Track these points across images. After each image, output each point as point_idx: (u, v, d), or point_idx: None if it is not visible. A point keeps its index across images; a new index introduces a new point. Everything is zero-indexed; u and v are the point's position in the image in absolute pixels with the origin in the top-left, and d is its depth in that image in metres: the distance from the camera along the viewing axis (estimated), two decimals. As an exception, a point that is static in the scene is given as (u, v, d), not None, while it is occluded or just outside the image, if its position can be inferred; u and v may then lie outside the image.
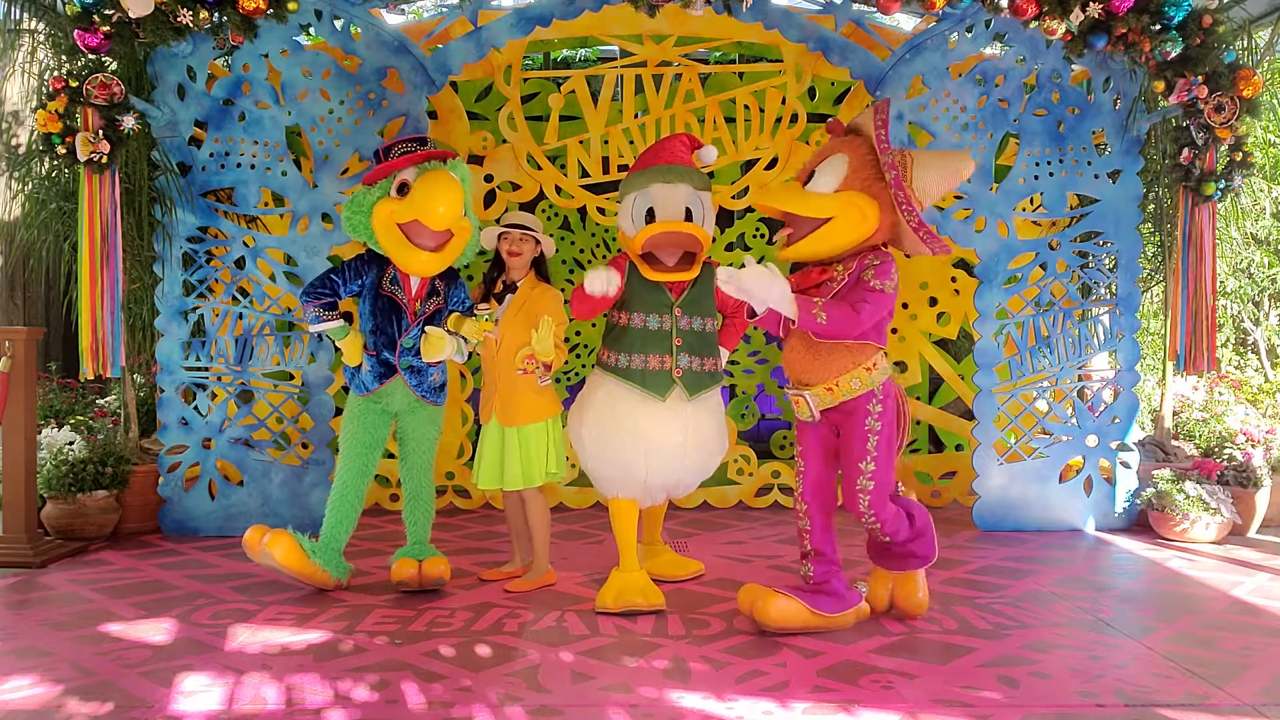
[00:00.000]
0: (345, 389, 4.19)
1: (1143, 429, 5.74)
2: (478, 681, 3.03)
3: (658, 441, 3.81)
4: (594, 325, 6.10)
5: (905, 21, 6.63)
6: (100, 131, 4.53)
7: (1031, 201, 5.56)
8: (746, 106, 5.93)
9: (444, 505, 5.84)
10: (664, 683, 3.03)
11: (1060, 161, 5.29)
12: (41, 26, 5.22)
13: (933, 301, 6.08)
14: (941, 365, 6.13)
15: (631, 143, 5.93)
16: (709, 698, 2.91)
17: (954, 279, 6.05)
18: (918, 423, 6.13)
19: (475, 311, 4.02)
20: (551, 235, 5.95)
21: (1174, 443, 5.65)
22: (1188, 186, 5.01)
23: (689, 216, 3.78)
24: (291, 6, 4.69)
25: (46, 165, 4.93)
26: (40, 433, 4.97)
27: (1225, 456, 5.37)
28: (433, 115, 5.57)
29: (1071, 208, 5.46)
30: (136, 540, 5.02)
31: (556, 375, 4.45)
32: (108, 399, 5.93)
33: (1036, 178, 5.29)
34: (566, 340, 6.15)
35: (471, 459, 5.75)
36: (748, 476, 5.90)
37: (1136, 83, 5.15)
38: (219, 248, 5.20)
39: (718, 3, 4.86)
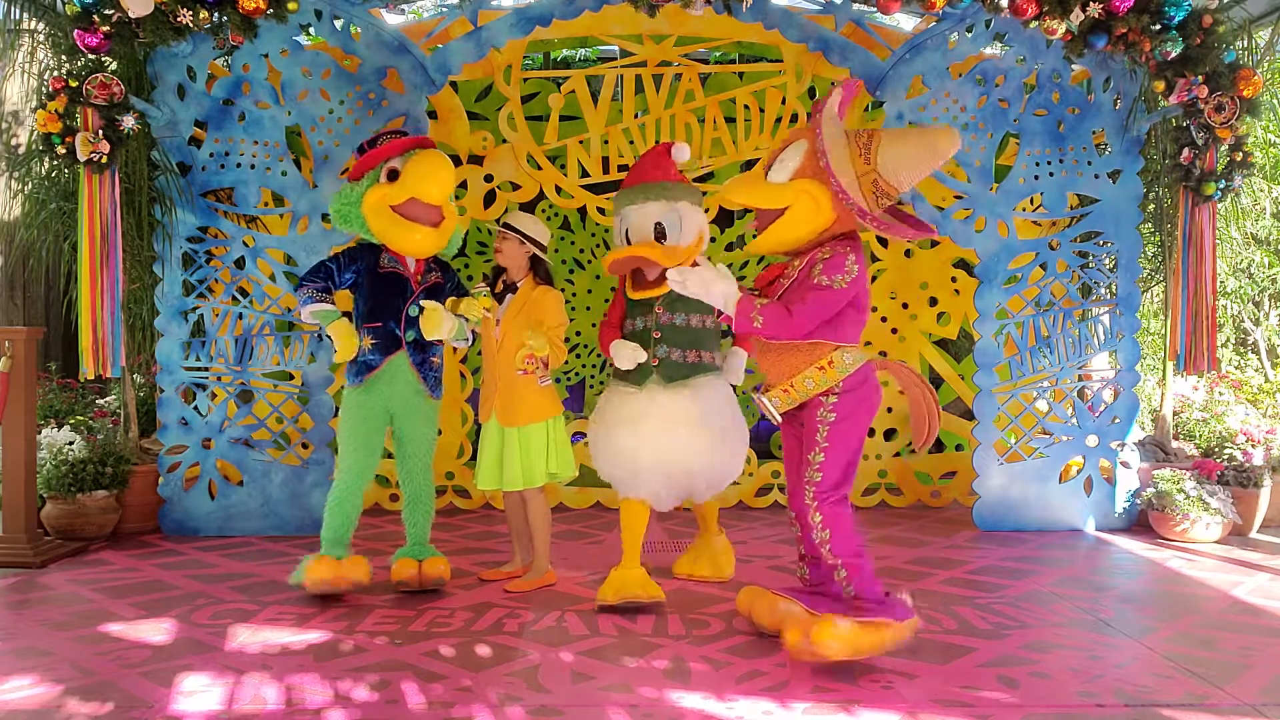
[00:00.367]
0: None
1: (1143, 429, 5.74)
2: (478, 681, 3.03)
3: (642, 426, 3.92)
4: (594, 326, 6.11)
5: (905, 21, 6.63)
6: (100, 131, 4.53)
7: (1031, 201, 5.56)
8: (746, 106, 5.93)
9: (444, 505, 5.84)
10: (664, 683, 3.03)
11: (1060, 161, 5.29)
12: (41, 26, 5.22)
13: (933, 301, 6.08)
14: (942, 365, 6.13)
15: (631, 143, 5.93)
16: (709, 698, 2.91)
17: (954, 279, 6.05)
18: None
19: (472, 292, 4.04)
20: (551, 235, 5.94)
21: (1174, 443, 5.65)
22: (1188, 186, 5.01)
23: (661, 231, 3.94)
24: (291, 6, 4.69)
25: (46, 165, 4.93)
26: (40, 433, 4.97)
27: (1225, 456, 5.37)
28: (433, 115, 5.57)
29: (1071, 208, 5.46)
30: (136, 540, 5.02)
31: (556, 375, 4.46)
32: (108, 399, 5.93)
33: (1036, 178, 5.29)
34: (566, 340, 6.15)
35: (471, 459, 5.77)
36: (748, 476, 5.91)
37: (1136, 83, 5.15)
38: (219, 248, 5.20)
39: (718, 3, 4.86)
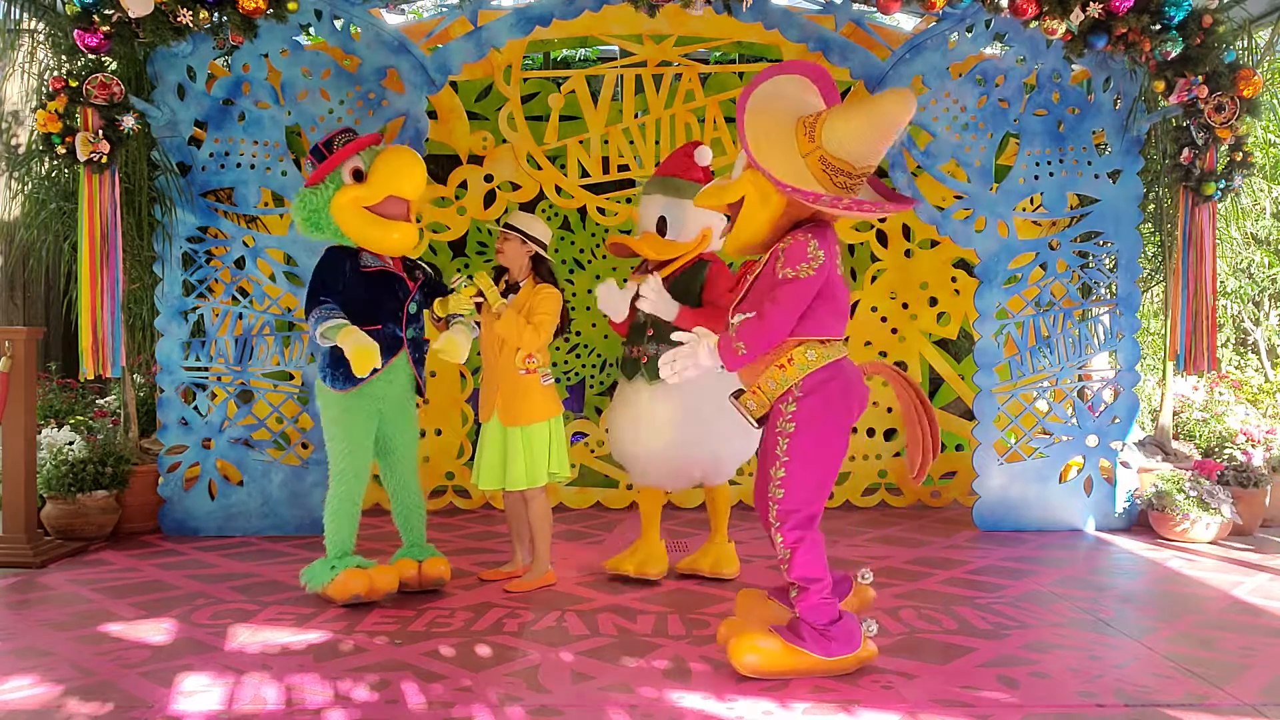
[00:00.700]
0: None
1: (1143, 429, 5.74)
2: (478, 681, 3.03)
3: (635, 421, 4.15)
4: (594, 326, 6.11)
5: (905, 21, 6.63)
6: (100, 131, 4.53)
7: (1031, 201, 5.56)
8: (746, 106, 5.92)
9: (444, 505, 5.85)
10: (664, 683, 3.03)
11: (1060, 161, 5.29)
12: (41, 26, 5.22)
13: (933, 301, 6.08)
14: (941, 365, 6.13)
15: (631, 143, 5.93)
16: (709, 698, 2.91)
17: (954, 279, 6.05)
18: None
19: (450, 288, 4.04)
20: (551, 235, 5.95)
21: (1174, 443, 5.65)
22: (1188, 186, 5.01)
23: (662, 224, 4.11)
24: (291, 6, 4.69)
25: (46, 165, 4.93)
26: (40, 433, 4.97)
27: (1225, 456, 5.37)
28: (433, 115, 5.57)
29: (1071, 208, 5.46)
30: (136, 540, 5.02)
31: (556, 376, 4.48)
32: (108, 399, 5.93)
33: (1036, 178, 5.29)
34: (566, 340, 6.16)
35: (471, 459, 5.76)
36: (748, 476, 5.90)
37: (1136, 83, 5.15)
38: (219, 248, 5.20)
39: (718, 3, 4.86)
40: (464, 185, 5.84)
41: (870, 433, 5.96)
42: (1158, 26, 4.77)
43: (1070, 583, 4.23)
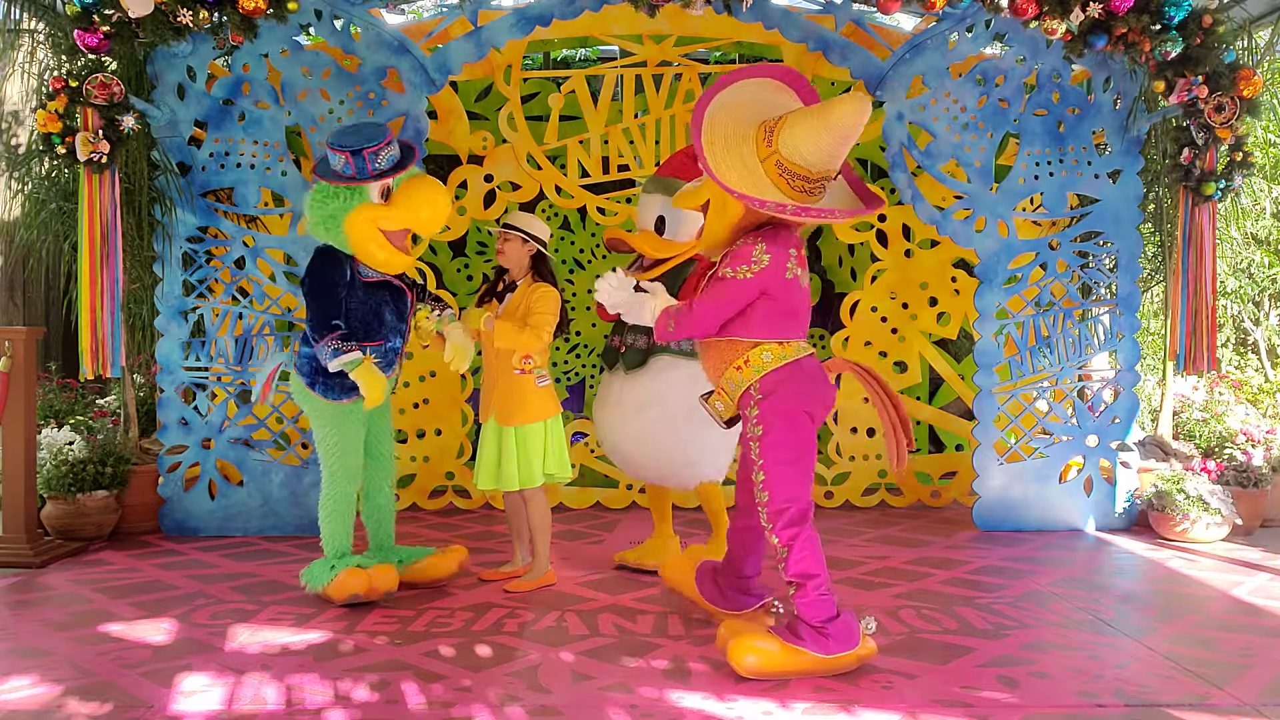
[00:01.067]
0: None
1: (1143, 429, 5.74)
2: (478, 681, 3.03)
3: (611, 402, 4.23)
4: (594, 326, 6.11)
5: (905, 21, 6.63)
6: (100, 131, 4.53)
7: (1031, 201, 5.55)
8: (746, 106, 5.92)
9: (444, 505, 5.85)
10: (664, 683, 3.03)
11: (1060, 161, 5.29)
12: (41, 26, 5.22)
13: (933, 301, 6.07)
14: (941, 365, 6.12)
15: (631, 143, 5.93)
16: (709, 698, 2.91)
17: (954, 279, 6.05)
18: (917, 423, 6.11)
19: (426, 318, 4.09)
20: (551, 235, 5.95)
21: (1174, 443, 5.65)
22: (1188, 186, 5.01)
23: (660, 224, 4.12)
24: (291, 6, 4.69)
25: (46, 165, 4.93)
26: (40, 433, 4.97)
27: (1226, 456, 5.37)
28: (433, 115, 5.56)
29: (1071, 208, 5.46)
30: (136, 540, 5.01)
31: (556, 376, 4.48)
32: (108, 399, 5.93)
33: (1036, 178, 5.29)
34: (566, 340, 6.16)
35: (471, 459, 5.76)
36: (748, 476, 5.90)
37: (1136, 83, 5.14)
38: (219, 248, 5.20)
39: (718, 3, 4.86)
40: (464, 185, 5.84)
41: (870, 433, 5.96)
42: (1158, 26, 4.77)
43: (1070, 583, 4.23)
